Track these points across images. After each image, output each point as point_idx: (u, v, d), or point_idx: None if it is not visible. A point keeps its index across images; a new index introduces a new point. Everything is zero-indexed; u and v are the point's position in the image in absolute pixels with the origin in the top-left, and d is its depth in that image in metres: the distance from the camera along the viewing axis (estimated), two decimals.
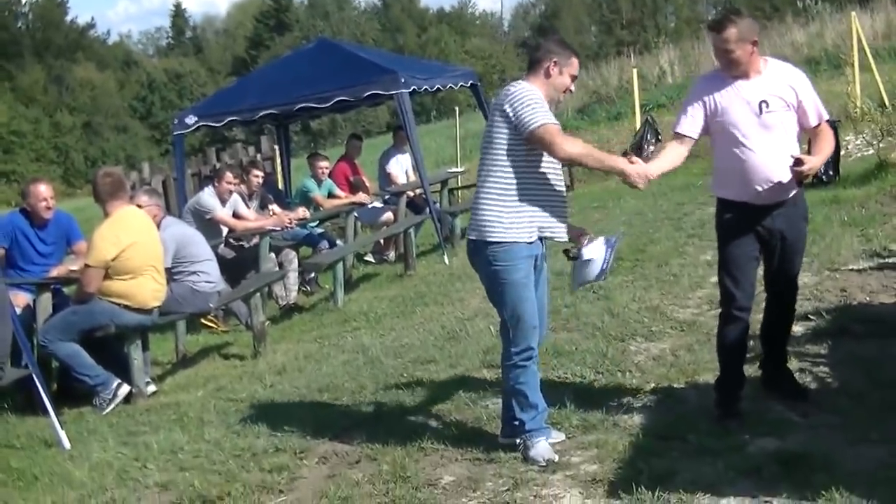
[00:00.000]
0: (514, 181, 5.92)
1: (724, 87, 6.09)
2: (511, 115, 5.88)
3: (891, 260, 9.68)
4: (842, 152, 13.49)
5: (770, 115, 5.98)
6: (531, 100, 5.89)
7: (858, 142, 16.49)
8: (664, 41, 36.76)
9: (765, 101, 5.98)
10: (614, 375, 7.44)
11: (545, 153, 5.92)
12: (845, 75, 19.14)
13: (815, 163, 6.08)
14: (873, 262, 9.70)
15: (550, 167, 6.00)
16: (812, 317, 8.11)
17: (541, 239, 6.03)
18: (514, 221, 5.92)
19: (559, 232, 6.08)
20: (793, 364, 6.85)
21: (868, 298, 8.62)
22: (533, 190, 5.95)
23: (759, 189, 6.04)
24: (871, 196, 12.63)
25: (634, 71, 23.84)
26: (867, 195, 12.70)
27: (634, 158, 6.16)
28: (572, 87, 6.20)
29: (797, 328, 7.56)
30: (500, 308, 6.11)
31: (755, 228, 6.16)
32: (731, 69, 6.05)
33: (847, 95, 18.03)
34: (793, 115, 6.07)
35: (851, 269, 9.51)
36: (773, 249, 6.24)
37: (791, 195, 6.14)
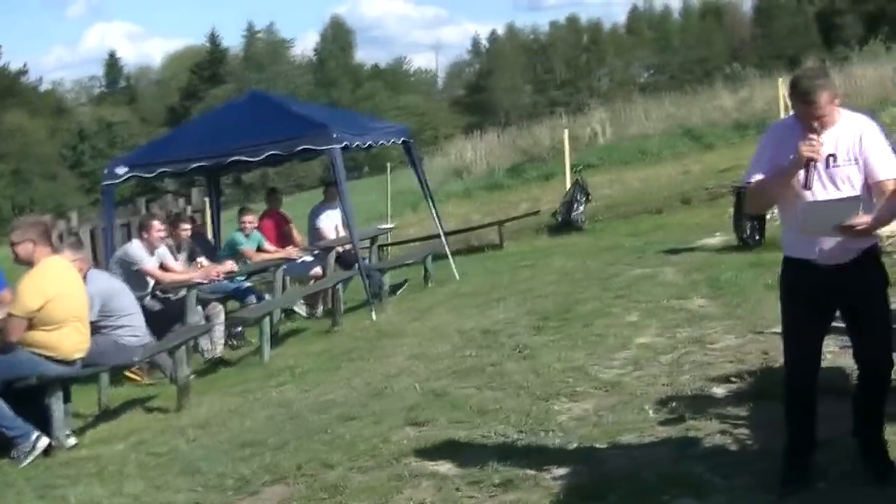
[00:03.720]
0: None
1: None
2: None
3: None
4: (767, 216, 13.62)
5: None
6: None
7: None
8: (597, 103, 37.25)
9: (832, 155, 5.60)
10: (537, 435, 7.39)
11: None
12: None
13: (866, 220, 5.48)
14: None
15: None
16: (734, 379, 8.14)
17: None
18: None
19: None
20: (713, 425, 6.92)
21: None
22: None
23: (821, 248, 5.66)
24: None
25: (566, 132, 24.17)
26: None
27: None
28: None
29: (718, 390, 7.67)
30: None
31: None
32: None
33: None
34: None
35: (774, 332, 9.60)
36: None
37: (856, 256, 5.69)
